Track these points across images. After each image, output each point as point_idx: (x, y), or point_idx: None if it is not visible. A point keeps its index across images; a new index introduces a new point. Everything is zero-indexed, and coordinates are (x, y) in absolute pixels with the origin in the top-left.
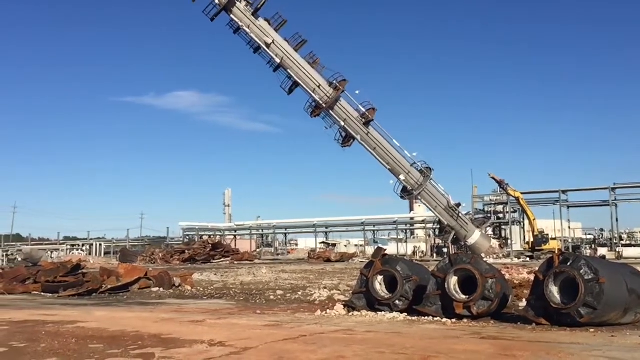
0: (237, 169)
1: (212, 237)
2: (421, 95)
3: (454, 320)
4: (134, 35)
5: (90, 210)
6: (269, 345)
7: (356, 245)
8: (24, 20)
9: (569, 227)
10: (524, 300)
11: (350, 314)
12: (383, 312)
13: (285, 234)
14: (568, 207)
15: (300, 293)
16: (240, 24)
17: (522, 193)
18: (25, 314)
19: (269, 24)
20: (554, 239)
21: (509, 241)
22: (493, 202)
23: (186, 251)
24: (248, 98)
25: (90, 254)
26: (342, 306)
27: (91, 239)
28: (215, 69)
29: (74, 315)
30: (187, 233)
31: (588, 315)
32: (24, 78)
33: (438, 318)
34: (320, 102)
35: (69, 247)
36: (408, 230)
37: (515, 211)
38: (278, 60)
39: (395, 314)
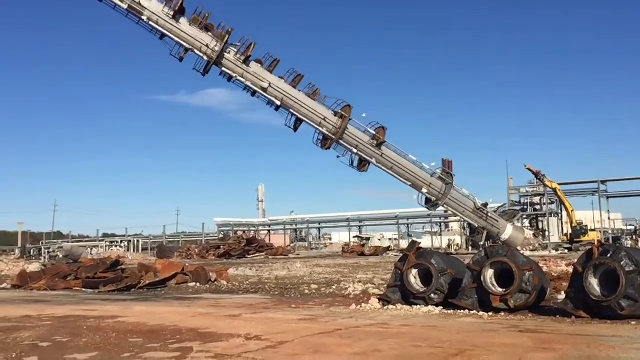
0: (270, 164)
1: (246, 232)
2: (452, 88)
3: (490, 313)
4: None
5: (127, 207)
6: (305, 339)
7: (390, 239)
8: (56, 21)
9: (609, 218)
10: (562, 292)
11: (385, 307)
12: (418, 306)
13: (319, 228)
14: (607, 197)
15: (334, 287)
16: (233, 74)
17: (559, 184)
18: (67, 309)
19: (261, 64)
20: (593, 230)
21: (547, 233)
22: (529, 194)
23: (221, 246)
24: None
25: (128, 250)
26: (377, 300)
27: (129, 236)
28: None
29: (114, 310)
30: (222, 229)
31: (629, 308)
32: (61, 78)
33: (474, 311)
34: (329, 134)
35: (108, 243)
36: (442, 223)
37: (552, 202)
38: (278, 102)
39: (430, 307)
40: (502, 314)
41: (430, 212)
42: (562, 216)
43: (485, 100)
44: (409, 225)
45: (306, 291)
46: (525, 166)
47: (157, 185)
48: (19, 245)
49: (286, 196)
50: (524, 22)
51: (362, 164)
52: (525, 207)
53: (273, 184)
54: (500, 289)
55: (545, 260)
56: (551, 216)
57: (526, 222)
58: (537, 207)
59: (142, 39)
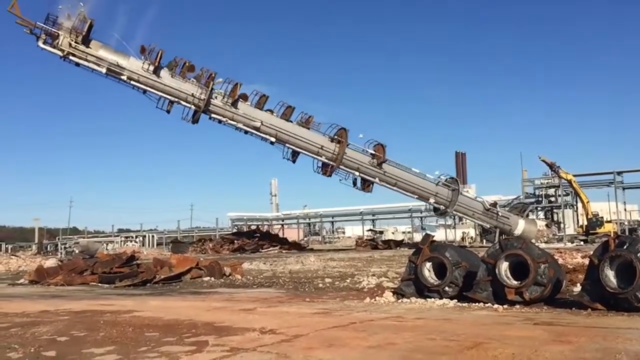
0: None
1: (260, 226)
2: (465, 80)
3: (505, 306)
4: (175, 30)
5: (142, 203)
6: (319, 333)
7: (404, 232)
8: None
9: (625, 209)
10: (578, 285)
11: (400, 301)
12: (432, 299)
13: (332, 222)
14: (623, 188)
15: (348, 280)
16: (223, 118)
17: (574, 175)
18: (84, 304)
19: (246, 99)
20: (609, 221)
21: (562, 225)
22: (544, 186)
23: (235, 241)
24: (292, 87)
25: (143, 245)
26: (391, 293)
27: (144, 231)
28: (257, 59)
29: (130, 305)
30: (236, 223)
31: None
32: (74, 75)
33: (489, 304)
34: (328, 162)
35: (123, 238)
36: (456, 216)
37: (567, 194)
38: (273, 139)
39: (445, 300)
40: (517, 306)
41: None
42: (577, 208)
43: (498, 92)
44: (423, 219)
45: (320, 285)
46: (540, 158)
47: (171, 181)
48: (36, 241)
49: (299, 190)
50: (536, 11)
51: (366, 184)
52: (540, 199)
53: (286, 178)
54: (515, 282)
55: (561, 252)
56: (566, 208)
57: (541, 214)
58: (552, 199)
59: (150, 34)
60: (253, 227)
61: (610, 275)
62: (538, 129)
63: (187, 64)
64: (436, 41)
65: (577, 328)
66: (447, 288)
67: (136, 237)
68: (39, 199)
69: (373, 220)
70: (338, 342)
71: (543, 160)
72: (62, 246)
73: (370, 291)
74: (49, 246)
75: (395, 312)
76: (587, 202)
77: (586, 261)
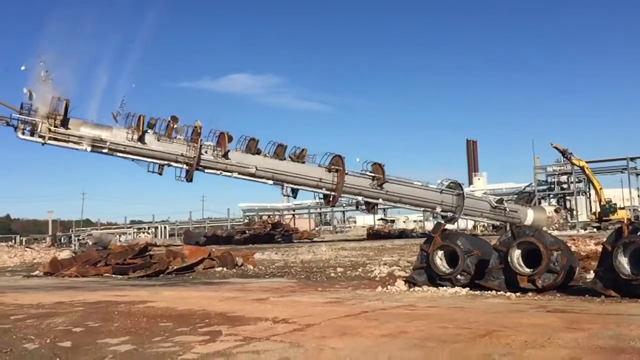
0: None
1: (271, 217)
2: (476, 68)
3: (518, 294)
4: (183, 21)
5: (154, 195)
6: (331, 322)
7: (415, 221)
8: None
9: (638, 196)
10: (591, 272)
11: (411, 289)
12: (444, 287)
13: (343, 211)
14: (637, 174)
15: (360, 270)
16: (217, 171)
17: (587, 162)
18: (98, 295)
19: (231, 140)
20: (622, 208)
21: (575, 212)
22: (556, 173)
23: (247, 231)
24: (301, 77)
25: (155, 236)
26: (403, 282)
27: (156, 222)
28: (267, 49)
29: (143, 296)
30: (247, 213)
31: None
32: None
33: (501, 292)
34: (329, 192)
35: (135, 230)
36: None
37: (580, 181)
38: (270, 182)
39: (457, 288)
40: (530, 294)
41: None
42: (590, 195)
43: (510, 79)
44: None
45: (332, 274)
46: (552, 144)
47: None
48: (50, 233)
49: None
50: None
51: (370, 206)
52: (553, 186)
53: None
54: (527, 269)
55: (574, 239)
56: (579, 195)
57: (553, 202)
58: (565, 186)
59: (160, 26)
60: (265, 217)
61: (623, 262)
62: (550, 116)
63: (170, 124)
64: (445, 30)
65: (590, 315)
66: (459, 276)
67: (148, 228)
68: (52, 191)
69: (384, 209)
70: (350, 331)
71: (555, 147)
72: (76, 238)
73: (382, 280)
74: (62, 238)
75: (407, 301)
76: (600, 188)
77: (599, 248)
